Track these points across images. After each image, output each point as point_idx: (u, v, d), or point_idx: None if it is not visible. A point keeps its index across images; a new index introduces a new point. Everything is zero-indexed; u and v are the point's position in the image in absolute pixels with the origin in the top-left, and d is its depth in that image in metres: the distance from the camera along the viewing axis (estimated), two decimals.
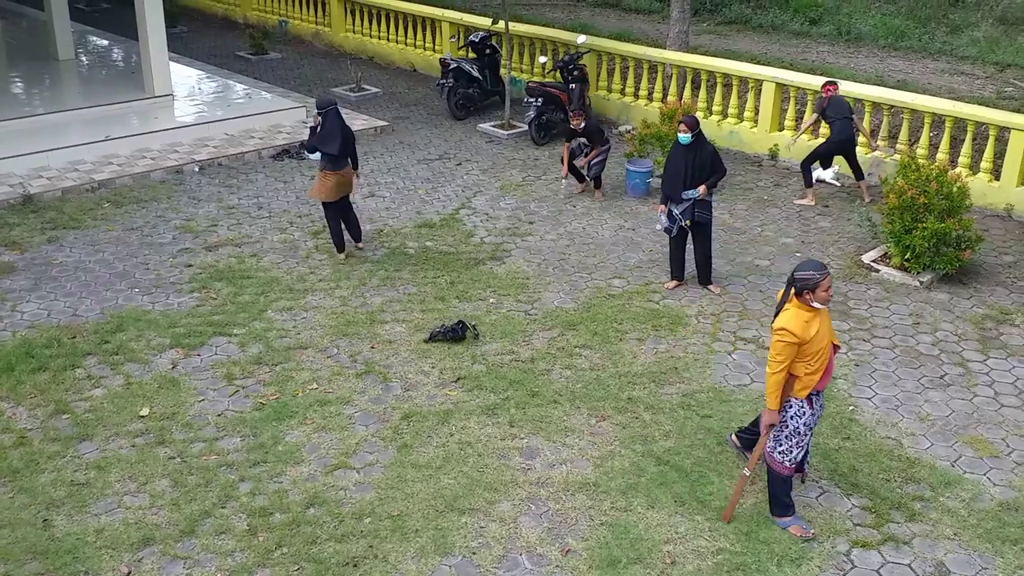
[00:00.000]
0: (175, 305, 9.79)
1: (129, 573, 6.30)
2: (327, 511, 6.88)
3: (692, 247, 10.17)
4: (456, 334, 9.03)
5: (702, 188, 9.75)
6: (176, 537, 6.62)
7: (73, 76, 17.52)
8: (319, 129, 10.55)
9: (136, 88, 15.98)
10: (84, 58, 18.79)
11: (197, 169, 13.63)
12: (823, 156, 12.56)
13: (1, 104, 15.01)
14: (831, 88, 12.28)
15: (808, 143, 13.35)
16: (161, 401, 8.16)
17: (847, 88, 13.57)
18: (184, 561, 6.42)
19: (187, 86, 17.02)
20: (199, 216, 12.01)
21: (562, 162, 12.81)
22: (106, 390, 8.31)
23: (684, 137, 9.73)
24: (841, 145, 12.33)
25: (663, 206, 10.00)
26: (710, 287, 10.17)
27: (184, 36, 21.56)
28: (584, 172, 12.74)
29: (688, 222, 9.86)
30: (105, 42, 20.12)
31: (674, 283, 10.24)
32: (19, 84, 16.75)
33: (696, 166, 9.74)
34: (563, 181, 12.94)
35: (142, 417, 7.94)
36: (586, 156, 12.62)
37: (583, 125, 12.64)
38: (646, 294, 10.12)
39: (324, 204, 10.82)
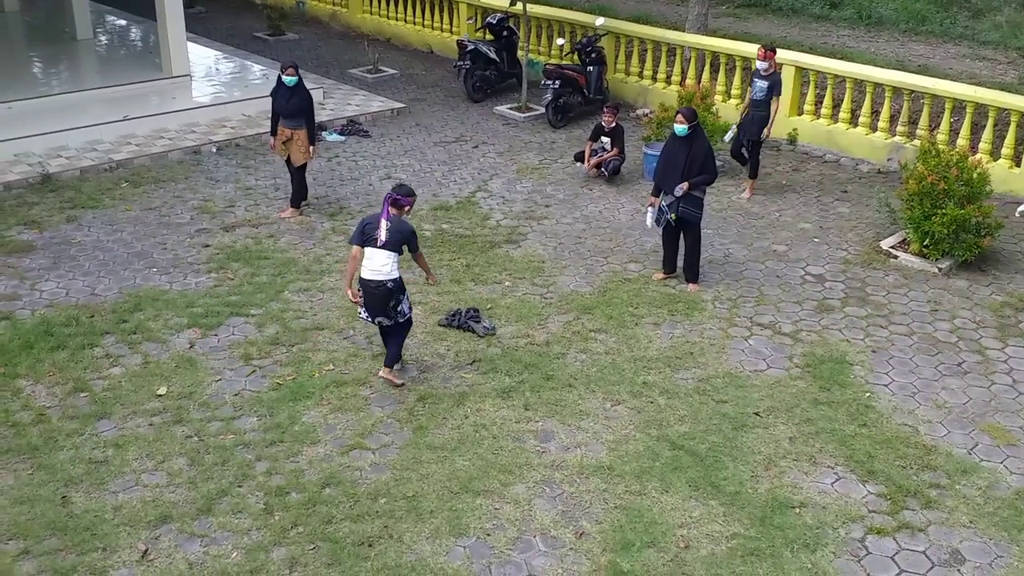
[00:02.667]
0: (192, 285, 9.83)
1: (146, 550, 6.35)
2: (343, 491, 6.91)
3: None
4: (468, 328, 9.00)
5: (684, 185, 9.39)
6: (193, 515, 6.67)
7: (91, 56, 17.57)
8: (301, 93, 11.09)
9: (154, 68, 16.01)
10: (102, 38, 18.83)
11: (215, 150, 13.66)
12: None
13: (20, 84, 15.06)
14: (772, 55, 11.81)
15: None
16: (178, 380, 8.20)
17: (867, 72, 13.48)
18: (201, 539, 6.47)
19: (205, 66, 17.04)
20: (216, 197, 12.04)
21: (579, 159, 12.80)
22: (124, 369, 8.36)
23: (680, 128, 9.41)
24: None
25: (653, 198, 9.76)
26: (690, 286, 9.85)
27: (202, 16, 21.57)
28: (601, 170, 12.69)
29: (673, 216, 9.57)
30: (123, 22, 20.16)
31: (661, 275, 10.03)
32: (38, 64, 16.80)
33: (689, 160, 9.43)
34: (587, 171, 12.82)
35: (159, 396, 7.99)
36: (600, 156, 12.61)
37: (613, 124, 12.60)
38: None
39: (301, 166, 11.38)
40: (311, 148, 11.28)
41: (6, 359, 8.40)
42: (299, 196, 11.50)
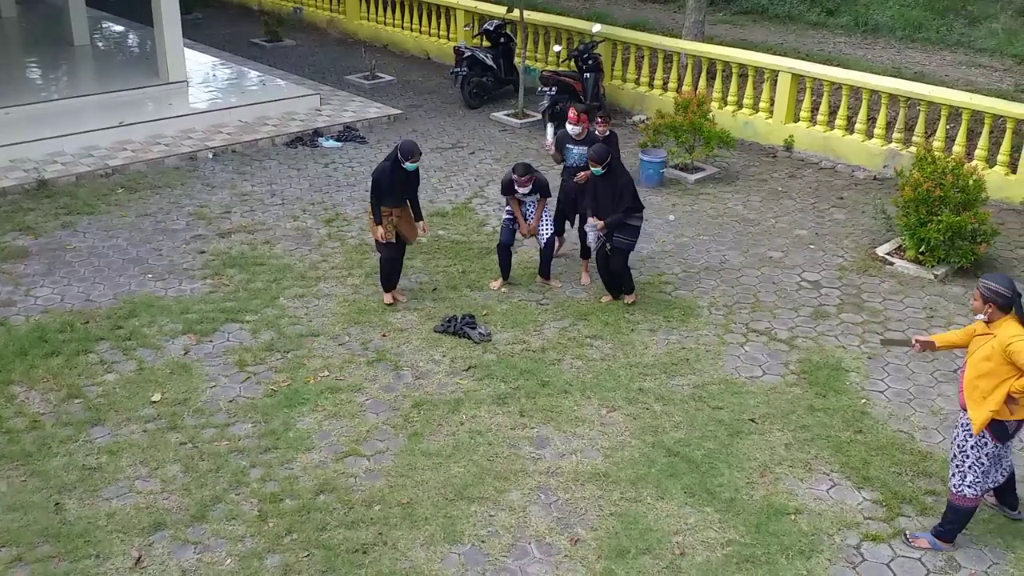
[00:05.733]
0: (188, 291, 9.82)
1: (140, 557, 6.33)
2: (337, 498, 6.89)
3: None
4: (464, 335, 8.99)
5: (600, 223, 9.22)
6: (187, 522, 6.65)
7: (88, 62, 17.56)
8: (416, 173, 9.57)
9: (151, 74, 16.00)
10: (99, 44, 18.83)
11: (211, 156, 13.65)
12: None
13: (17, 89, 15.05)
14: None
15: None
16: (173, 387, 8.19)
17: (864, 79, 13.49)
18: (195, 546, 6.45)
19: (202, 73, 17.04)
20: (212, 203, 12.03)
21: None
22: (118, 375, 8.34)
23: (596, 170, 9.20)
24: None
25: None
26: (626, 297, 9.66)
27: (199, 23, 21.58)
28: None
29: (608, 247, 9.38)
30: (120, 28, 20.16)
31: (609, 298, 9.75)
32: (35, 69, 16.79)
33: (604, 196, 9.24)
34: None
35: (154, 402, 7.97)
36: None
37: (608, 133, 12.56)
38: (658, 285, 10.09)
39: (405, 244, 9.88)
40: (422, 223, 9.76)
41: (0, 365, 8.39)
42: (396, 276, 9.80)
